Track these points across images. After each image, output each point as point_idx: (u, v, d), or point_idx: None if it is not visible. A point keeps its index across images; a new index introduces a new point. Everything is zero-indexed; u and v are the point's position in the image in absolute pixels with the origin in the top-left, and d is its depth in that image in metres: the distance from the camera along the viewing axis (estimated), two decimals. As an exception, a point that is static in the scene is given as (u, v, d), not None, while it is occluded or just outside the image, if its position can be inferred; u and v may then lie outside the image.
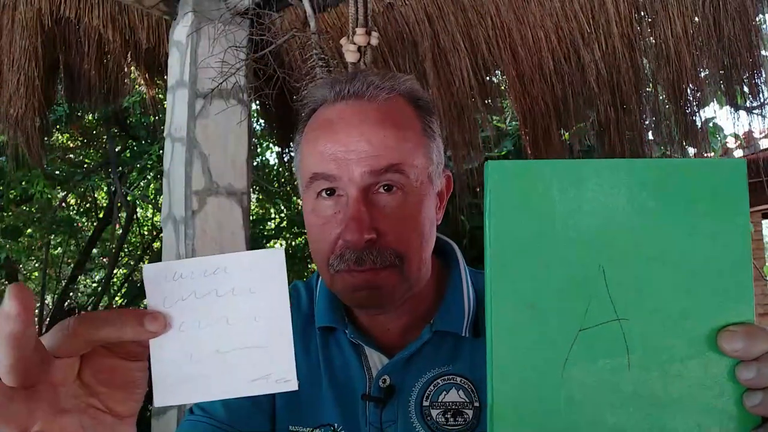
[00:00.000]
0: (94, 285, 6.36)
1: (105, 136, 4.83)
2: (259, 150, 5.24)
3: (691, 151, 2.75)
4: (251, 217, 3.89)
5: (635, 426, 0.40)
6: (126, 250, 5.68)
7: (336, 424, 0.69)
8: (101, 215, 5.21)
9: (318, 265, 0.71)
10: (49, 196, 4.53)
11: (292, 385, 0.42)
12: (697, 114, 2.50)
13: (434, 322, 0.70)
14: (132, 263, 5.62)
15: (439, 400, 0.68)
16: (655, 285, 0.40)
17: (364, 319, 0.74)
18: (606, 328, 0.40)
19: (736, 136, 5.27)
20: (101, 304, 4.80)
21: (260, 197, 5.36)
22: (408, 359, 0.70)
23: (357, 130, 0.66)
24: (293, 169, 0.80)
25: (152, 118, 4.52)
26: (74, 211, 5.54)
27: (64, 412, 0.39)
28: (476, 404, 0.68)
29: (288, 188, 5.38)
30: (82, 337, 0.39)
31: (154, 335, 0.41)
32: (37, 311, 5.27)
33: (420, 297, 0.73)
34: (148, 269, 0.43)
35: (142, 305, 4.30)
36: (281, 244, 5.44)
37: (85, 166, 5.02)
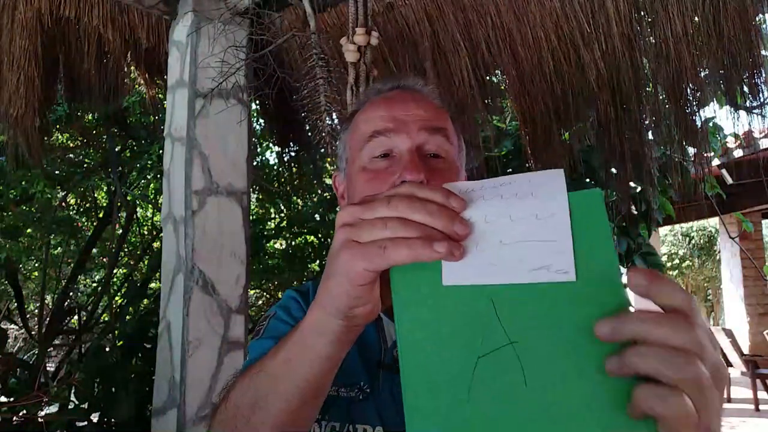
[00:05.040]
0: (94, 285, 6.35)
1: (105, 136, 4.82)
2: (259, 150, 5.24)
3: (691, 150, 2.75)
4: (251, 217, 3.88)
5: None
6: (126, 249, 5.67)
7: (362, 383, 0.74)
8: (101, 215, 5.19)
9: None
10: (49, 196, 4.53)
11: (570, 276, 0.44)
12: (697, 114, 2.49)
13: None
14: (132, 263, 5.61)
15: None
16: (539, 308, 0.44)
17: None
18: (501, 353, 0.44)
19: (736, 136, 5.28)
20: (101, 304, 4.80)
21: (260, 197, 5.35)
22: None
23: (413, 103, 0.79)
24: (338, 151, 0.89)
25: (152, 118, 4.52)
26: (74, 211, 5.53)
27: None
28: None
29: (288, 188, 5.37)
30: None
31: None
32: (36, 311, 5.26)
33: None
34: (449, 186, 0.49)
35: (141, 306, 4.31)
36: (281, 244, 5.43)
37: (85, 166, 5.01)
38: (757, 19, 2.23)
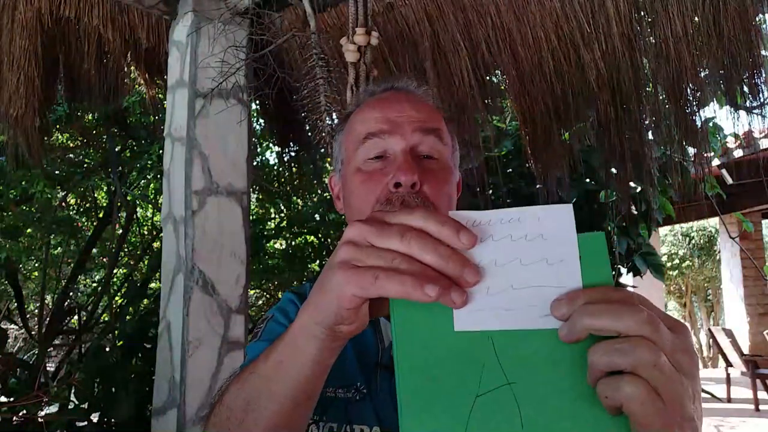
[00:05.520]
0: (94, 285, 6.35)
1: (105, 136, 4.82)
2: (259, 150, 5.24)
3: (691, 150, 2.75)
4: (251, 217, 3.88)
5: None
6: (126, 249, 5.67)
7: (359, 383, 0.75)
8: (101, 215, 5.19)
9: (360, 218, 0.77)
10: (49, 196, 4.52)
11: None
12: (697, 114, 2.49)
13: None
14: (132, 263, 5.61)
15: None
16: (539, 351, 0.44)
17: None
18: (499, 393, 0.44)
19: (736, 136, 5.28)
20: (101, 304, 4.80)
21: (260, 197, 5.35)
22: None
23: (407, 103, 0.80)
24: (333, 152, 0.91)
25: (152, 118, 4.52)
26: (74, 211, 5.52)
27: None
28: None
29: (288, 188, 5.37)
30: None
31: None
32: (36, 311, 5.26)
33: None
34: (453, 215, 0.48)
35: (141, 306, 4.30)
36: (281, 244, 5.43)
37: (85, 166, 5.01)
38: (757, 19, 2.23)
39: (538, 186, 3.51)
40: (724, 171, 5.77)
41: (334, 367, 0.75)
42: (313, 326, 0.52)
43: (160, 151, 3.79)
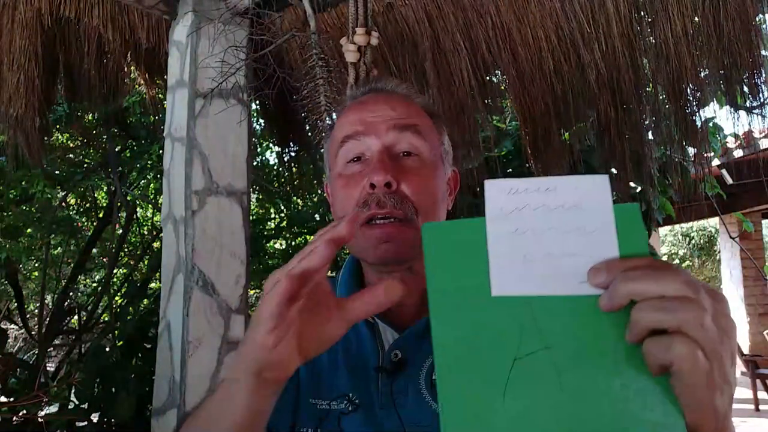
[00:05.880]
0: (94, 285, 6.36)
1: (105, 136, 4.82)
2: (259, 150, 5.24)
3: (691, 150, 2.76)
4: (251, 217, 3.88)
5: None
6: (126, 249, 5.67)
7: (350, 394, 0.73)
8: (101, 215, 5.19)
9: None
10: (49, 196, 4.52)
11: None
12: (697, 114, 2.50)
13: None
14: (132, 263, 5.61)
15: None
16: (577, 317, 0.45)
17: None
18: (537, 356, 0.45)
19: (736, 136, 5.28)
20: (101, 304, 4.80)
21: (260, 197, 5.35)
22: (419, 337, 0.74)
23: (384, 103, 0.78)
24: (324, 166, 0.91)
25: (152, 118, 4.52)
26: (74, 211, 5.52)
27: None
28: None
29: (288, 188, 5.37)
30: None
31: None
32: (36, 311, 5.26)
33: None
34: (490, 184, 0.49)
35: (141, 305, 4.30)
36: (281, 244, 5.43)
37: (85, 166, 5.01)
38: (757, 19, 2.23)
39: (538, 186, 3.50)
40: (724, 171, 5.77)
41: (327, 380, 0.75)
42: (241, 375, 0.54)
43: (160, 151, 3.79)
